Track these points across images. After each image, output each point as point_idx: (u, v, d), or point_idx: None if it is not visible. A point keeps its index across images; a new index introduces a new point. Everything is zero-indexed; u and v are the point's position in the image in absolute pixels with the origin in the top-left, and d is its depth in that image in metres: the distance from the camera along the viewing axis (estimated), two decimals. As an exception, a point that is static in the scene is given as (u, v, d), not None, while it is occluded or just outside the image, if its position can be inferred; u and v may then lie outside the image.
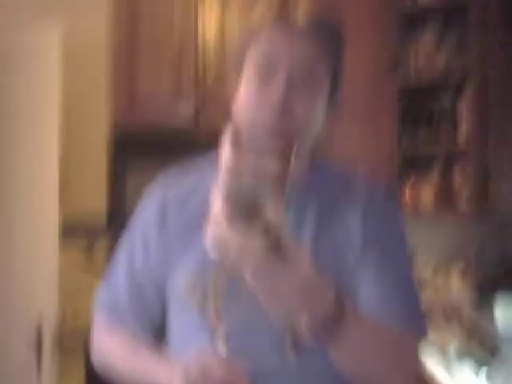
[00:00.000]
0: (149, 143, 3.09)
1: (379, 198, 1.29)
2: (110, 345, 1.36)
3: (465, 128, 2.94)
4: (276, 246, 0.93)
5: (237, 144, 0.94)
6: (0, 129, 3.25)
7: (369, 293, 1.20)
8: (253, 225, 0.92)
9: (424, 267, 3.06)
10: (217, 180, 0.97)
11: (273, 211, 0.93)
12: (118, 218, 3.01)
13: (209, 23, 3.07)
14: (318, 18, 1.22)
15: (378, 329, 1.16)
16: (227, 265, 1.10)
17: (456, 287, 3.02)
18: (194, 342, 1.23)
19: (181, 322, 1.28)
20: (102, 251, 3.21)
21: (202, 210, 1.21)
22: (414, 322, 1.23)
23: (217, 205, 0.93)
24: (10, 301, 3.05)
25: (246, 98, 1.21)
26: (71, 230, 3.30)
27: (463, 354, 2.33)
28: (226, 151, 0.94)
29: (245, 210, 0.92)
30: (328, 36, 1.23)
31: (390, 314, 1.18)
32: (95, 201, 3.31)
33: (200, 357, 1.09)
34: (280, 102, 1.16)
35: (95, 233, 3.34)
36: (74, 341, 3.00)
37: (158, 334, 1.38)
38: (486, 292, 2.95)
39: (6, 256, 3.20)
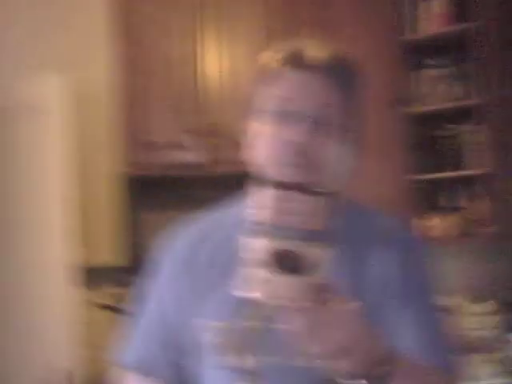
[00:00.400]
0: (162, 186, 3.07)
1: (406, 236, 1.28)
2: None
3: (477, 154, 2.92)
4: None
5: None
6: (8, 186, 3.25)
7: (400, 337, 1.16)
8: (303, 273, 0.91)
9: (449, 299, 2.99)
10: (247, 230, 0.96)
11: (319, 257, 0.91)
12: (139, 265, 2.98)
13: (210, 59, 3.09)
14: (330, 56, 1.20)
15: (422, 374, 1.13)
16: (260, 311, 1.13)
17: (485, 315, 2.96)
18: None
19: (217, 371, 1.24)
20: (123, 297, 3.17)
21: (229, 262, 1.19)
22: (448, 365, 1.20)
23: (261, 249, 0.91)
24: (30, 355, 2.99)
25: (267, 139, 1.19)
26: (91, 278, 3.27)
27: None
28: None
29: (293, 255, 0.91)
30: (344, 74, 1.21)
31: (429, 359, 1.16)
32: (111, 249, 3.29)
33: None
34: (302, 140, 1.14)
35: (118, 281, 3.30)
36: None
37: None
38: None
39: (24, 312, 3.16)
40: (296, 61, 1.18)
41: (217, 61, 3.09)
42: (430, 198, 3.13)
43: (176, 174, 3.08)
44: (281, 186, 0.92)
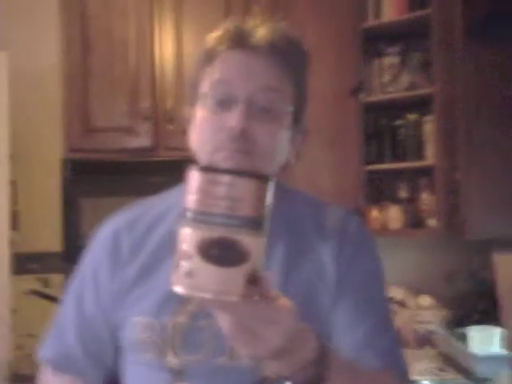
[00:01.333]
0: (105, 169, 2.98)
1: (352, 229, 1.22)
2: None
3: (432, 145, 2.89)
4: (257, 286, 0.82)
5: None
6: None
7: (348, 333, 1.13)
8: (231, 264, 0.80)
9: (395, 289, 2.99)
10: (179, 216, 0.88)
11: (253, 248, 0.81)
12: (74, 252, 2.89)
13: (165, 45, 2.97)
14: (278, 37, 1.13)
15: (361, 374, 1.07)
16: (190, 304, 1.09)
17: (427, 310, 2.96)
18: (151, 381, 1.15)
19: (137, 367, 1.18)
20: (58, 286, 3.08)
21: (158, 252, 1.17)
22: (396, 363, 1.16)
23: (186, 238, 0.81)
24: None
25: (204, 123, 1.13)
26: (25, 265, 3.16)
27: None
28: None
29: (220, 244, 0.80)
30: (290, 54, 1.14)
31: (371, 356, 1.12)
32: (50, 235, 3.18)
33: None
34: (238, 125, 1.08)
35: (50, 267, 3.21)
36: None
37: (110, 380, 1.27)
38: (458, 313, 2.89)
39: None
40: (237, 41, 1.12)
41: (172, 43, 2.97)
42: (383, 189, 3.13)
43: (119, 159, 2.98)
44: (208, 169, 0.81)
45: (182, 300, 1.11)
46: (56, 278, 3.16)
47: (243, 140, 1.09)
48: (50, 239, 3.18)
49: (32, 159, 3.24)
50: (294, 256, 1.16)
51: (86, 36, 2.98)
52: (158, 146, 2.95)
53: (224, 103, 1.11)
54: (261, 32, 1.12)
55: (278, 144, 1.14)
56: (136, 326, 1.15)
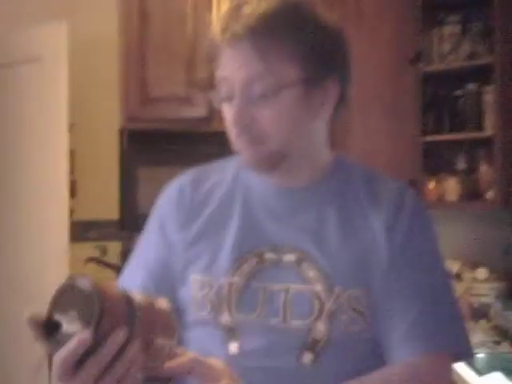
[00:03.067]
0: (161, 138, 3.02)
1: (407, 203, 1.20)
2: None
3: (492, 115, 2.83)
4: None
5: None
6: (9, 130, 3.19)
7: (400, 314, 1.12)
8: None
9: (451, 262, 2.96)
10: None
11: None
12: (131, 220, 2.94)
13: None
14: (269, 13, 1.11)
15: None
16: (247, 265, 1.15)
17: (483, 283, 2.93)
18: (206, 340, 1.17)
19: (192, 326, 1.20)
20: (116, 254, 3.14)
21: (217, 213, 1.22)
22: (450, 342, 1.15)
23: None
24: (19, 305, 2.97)
25: (224, 118, 1.18)
26: (83, 233, 3.23)
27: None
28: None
29: None
30: (285, 28, 1.11)
31: (422, 337, 1.11)
32: (108, 203, 3.24)
33: None
34: (235, 121, 1.12)
35: (108, 235, 3.27)
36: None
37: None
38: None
39: (15, 262, 3.16)
40: (231, 30, 1.11)
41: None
42: (441, 160, 3.09)
43: (176, 129, 3.01)
44: None
45: (239, 260, 1.15)
46: (113, 245, 3.23)
47: (249, 131, 1.12)
48: (108, 208, 3.24)
49: (91, 128, 3.30)
50: (348, 224, 1.16)
51: (143, 6, 3.01)
52: (214, 116, 2.97)
53: (227, 99, 1.14)
54: (246, 14, 1.11)
55: (292, 121, 1.14)
56: (194, 283, 1.18)
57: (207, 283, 1.17)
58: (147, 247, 1.28)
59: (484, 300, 2.87)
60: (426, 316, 1.13)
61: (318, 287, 1.11)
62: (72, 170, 3.08)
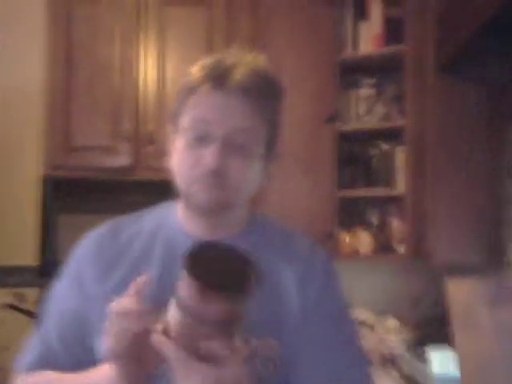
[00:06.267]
0: (84, 187, 3.03)
1: (318, 261, 1.29)
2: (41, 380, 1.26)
3: (402, 174, 2.99)
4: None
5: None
6: None
7: (316, 368, 1.20)
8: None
9: (363, 311, 3.06)
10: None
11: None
12: (50, 267, 2.93)
13: (149, 69, 3.05)
14: (255, 77, 1.20)
15: None
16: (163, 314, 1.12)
17: (393, 332, 3.04)
18: None
19: None
20: (34, 301, 3.10)
21: (135, 266, 1.24)
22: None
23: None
24: None
25: (183, 155, 1.21)
26: (1, 279, 3.20)
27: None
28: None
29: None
30: (265, 94, 1.22)
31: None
32: (27, 249, 3.23)
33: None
34: (214, 163, 1.16)
35: (27, 282, 3.23)
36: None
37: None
38: (421, 336, 2.98)
39: None
40: (216, 80, 1.19)
41: (154, 66, 3.06)
42: (355, 215, 3.21)
43: (100, 178, 3.04)
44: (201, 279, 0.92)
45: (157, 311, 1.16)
46: (32, 292, 3.19)
47: (218, 176, 1.17)
48: (27, 254, 3.22)
49: (12, 174, 3.29)
50: (272, 286, 1.22)
51: (70, 56, 3.05)
52: (138, 165, 3.01)
53: (202, 139, 1.18)
54: (239, 72, 1.18)
55: (251, 177, 1.22)
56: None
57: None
58: (62, 298, 1.28)
59: (393, 349, 2.97)
60: (338, 364, 1.21)
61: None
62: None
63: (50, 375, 1.24)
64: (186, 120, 1.21)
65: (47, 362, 1.26)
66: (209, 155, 1.17)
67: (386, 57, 3.08)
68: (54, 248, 2.97)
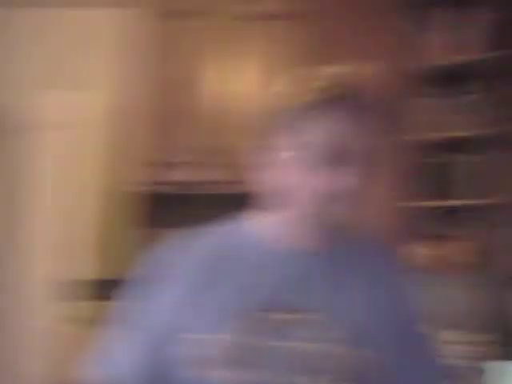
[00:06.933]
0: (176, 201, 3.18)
1: (399, 268, 1.36)
2: None
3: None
4: None
5: None
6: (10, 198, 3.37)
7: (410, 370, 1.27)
8: None
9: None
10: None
11: None
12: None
13: (233, 87, 3.21)
14: (369, 93, 1.22)
15: None
16: (247, 324, 1.17)
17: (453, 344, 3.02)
18: None
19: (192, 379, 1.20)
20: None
21: (224, 276, 1.24)
22: None
23: None
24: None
25: (314, 176, 1.19)
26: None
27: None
28: None
29: None
30: (373, 110, 1.23)
31: None
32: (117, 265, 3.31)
33: None
34: (356, 183, 1.17)
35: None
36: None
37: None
38: (487, 350, 2.96)
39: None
40: (337, 99, 1.18)
41: (237, 83, 3.20)
42: (424, 226, 3.15)
43: (190, 192, 3.17)
44: None
45: (250, 320, 1.18)
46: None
47: (353, 197, 1.19)
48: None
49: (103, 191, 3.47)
50: (358, 290, 1.25)
51: (168, 80, 3.24)
52: (234, 179, 3.13)
53: (333, 159, 1.17)
54: (356, 90, 1.19)
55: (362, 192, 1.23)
56: (195, 342, 1.18)
57: (208, 342, 1.17)
58: (148, 312, 1.25)
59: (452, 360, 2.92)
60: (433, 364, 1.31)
61: (335, 348, 1.16)
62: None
63: None
64: (311, 138, 1.18)
65: (132, 379, 1.25)
66: (347, 178, 1.17)
67: (459, 66, 3.05)
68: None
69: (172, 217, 3.13)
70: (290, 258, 1.24)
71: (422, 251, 3.09)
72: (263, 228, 1.28)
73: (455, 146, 3.09)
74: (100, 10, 3.61)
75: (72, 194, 3.20)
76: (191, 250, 1.28)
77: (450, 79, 3.13)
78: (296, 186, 1.20)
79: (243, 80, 3.20)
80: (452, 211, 3.08)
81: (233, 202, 2.96)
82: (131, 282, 1.28)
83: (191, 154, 3.20)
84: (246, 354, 1.16)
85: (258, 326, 1.17)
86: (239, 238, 1.29)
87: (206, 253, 1.27)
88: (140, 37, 3.25)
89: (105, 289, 3.05)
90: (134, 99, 3.35)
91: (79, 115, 3.25)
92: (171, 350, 1.20)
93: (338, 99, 1.17)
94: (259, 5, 3.21)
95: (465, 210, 3.00)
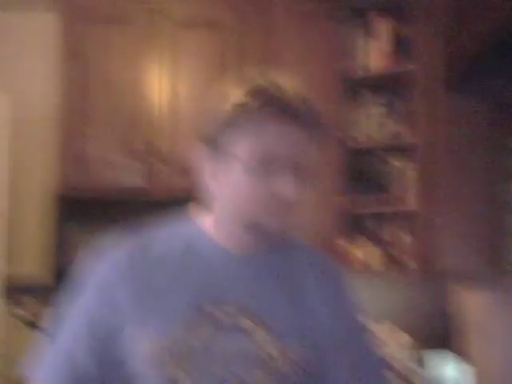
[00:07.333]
0: (98, 205, 3.07)
1: (343, 278, 1.38)
2: None
3: (413, 190, 3.01)
4: None
5: None
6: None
7: (344, 373, 1.28)
8: None
9: (373, 324, 3.06)
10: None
11: None
12: (62, 285, 2.95)
13: (162, 87, 3.11)
14: (307, 103, 1.23)
15: None
16: (202, 328, 1.20)
17: (403, 346, 3.05)
18: None
19: (138, 374, 1.22)
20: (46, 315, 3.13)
21: (171, 278, 1.26)
22: None
23: None
24: None
25: (248, 186, 1.20)
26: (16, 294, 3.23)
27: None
28: None
29: None
30: (317, 118, 1.24)
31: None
32: (40, 266, 3.27)
33: None
34: (292, 196, 1.19)
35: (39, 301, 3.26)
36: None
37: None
38: (420, 340, 3.01)
39: None
40: (278, 107, 1.18)
41: (167, 86, 3.11)
42: (363, 228, 3.22)
43: (113, 197, 3.08)
44: None
45: (196, 324, 1.20)
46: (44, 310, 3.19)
47: (292, 206, 1.21)
48: (39, 272, 3.28)
49: (26, 194, 3.35)
50: (295, 294, 1.28)
51: (84, 79, 3.12)
52: (151, 185, 3.05)
53: (268, 166, 1.19)
54: (293, 98, 1.20)
55: (303, 200, 1.25)
56: (151, 346, 1.19)
57: (163, 345, 1.19)
58: (91, 315, 1.25)
59: (391, 353, 2.99)
60: (364, 365, 1.31)
61: (272, 350, 1.20)
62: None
63: None
64: (248, 148, 1.19)
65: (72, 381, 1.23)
66: (286, 188, 1.18)
67: (396, 74, 3.11)
68: (66, 266, 3.00)
69: (90, 221, 3.05)
70: (226, 259, 1.27)
71: (358, 253, 3.15)
72: (203, 229, 1.31)
73: (390, 151, 3.16)
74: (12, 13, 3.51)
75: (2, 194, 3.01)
76: (130, 258, 1.28)
77: (386, 87, 3.20)
78: (237, 190, 1.21)
79: (177, 87, 3.12)
80: (389, 214, 3.16)
81: (151, 209, 2.99)
82: (72, 285, 1.30)
83: (111, 156, 3.09)
84: (189, 352, 1.19)
85: (199, 323, 1.20)
86: (174, 244, 1.30)
87: (139, 254, 1.28)
88: (61, 39, 3.15)
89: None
90: (52, 98, 3.21)
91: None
92: (117, 349, 1.22)
93: (268, 110, 1.18)
94: (199, 10, 3.16)
95: (402, 214, 3.07)
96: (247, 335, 1.20)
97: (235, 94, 1.20)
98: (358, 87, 3.18)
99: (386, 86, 3.20)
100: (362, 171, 3.21)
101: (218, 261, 1.26)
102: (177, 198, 2.99)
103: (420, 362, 2.86)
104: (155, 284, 1.24)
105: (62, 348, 1.26)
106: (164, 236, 1.32)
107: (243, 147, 1.19)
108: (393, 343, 3.03)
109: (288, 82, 1.22)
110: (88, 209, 3.06)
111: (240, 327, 1.20)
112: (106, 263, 1.29)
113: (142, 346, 1.20)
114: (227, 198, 1.24)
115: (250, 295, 1.24)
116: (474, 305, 2.83)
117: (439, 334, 3.04)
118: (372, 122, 3.20)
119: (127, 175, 3.07)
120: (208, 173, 1.25)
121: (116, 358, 1.23)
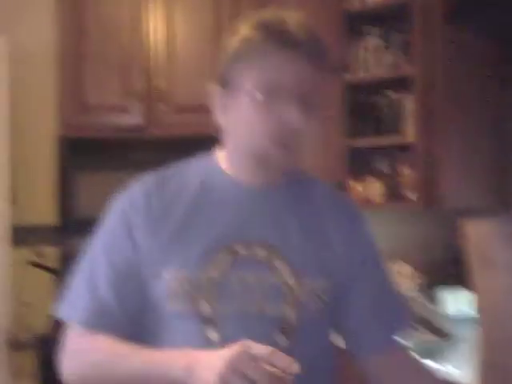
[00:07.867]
0: (98, 145, 3.09)
1: (358, 213, 1.41)
2: (97, 354, 1.25)
3: (412, 122, 3.01)
4: None
5: None
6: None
7: (362, 302, 1.33)
8: None
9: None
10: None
11: None
12: (69, 226, 2.99)
13: (158, 26, 3.08)
14: (312, 35, 1.23)
15: None
16: (222, 260, 1.23)
17: (406, 277, 3.10)
18: (184, 331, 1.23)
19: (170, 319, 1.25)
20: (52, 259, 3.20)
21: (188, 212, 1.28)
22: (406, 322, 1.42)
23: None
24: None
25: (255, 116, 1.21)
26: (22, 237, 3.26)
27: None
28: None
29: None
30: (323, 50, 1.25)
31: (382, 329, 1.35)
32: (46, 208, 3.31)
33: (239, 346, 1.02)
34: (298, 121, 1.19)
35: (46, 240, 3.31)
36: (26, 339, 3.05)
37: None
38: (434, 280, 3.06)
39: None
40: (281, 38, 1.19)
41: (163, 25, 3.09)
42: (363, 163, 3.23)
43: (113, 137, 3.09)
44: None
45: (214, 255, 1.23)
46: (51, 250, 3.24)
47: (298, 135, 1.22)
48: (45, 212, 3.31)
49: (28, 135, 3.35)
50: (311, 226, 1.31)
51: (80, 18, 3.09)
52: (150, 124, 3.06)
53: (273, 98, 1.19)
54: (299, 31, 1.21)
55: (311, 136, 1.26)
56: (170, 278, 1.22)
57: (183, 277, 1.22)
58: (111, 250, 1.29)
59: (406, 292, 3.05)
60: (387, 303, 1.36)
61: (289, 280, 1.24)
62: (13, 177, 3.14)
63: (108, 346, 1.25)
64: (253, 79, 1.21)
65: (102, 321, 1.26)
66: (291, 115, 1.19)
67: (393, 6, 3.07)
68: (70, 206, 3.04)
69: (91, 161, 3.08)
70: (242, 193, 1.29)
71: (364, 188, 3.17)
72: (218, 165, 1.33)
73: (389, 84, 3.14)
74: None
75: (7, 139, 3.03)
76: (146, 196, 1.30)
77: (383, 20, 3.16)
78: (245, 122, 1.23)
79: (173, 24, 3.11)
80: (394, 148, 3.15)
81: (149, 147, 3.01)
82: (98, 224, 1.33)
83: (108, 97, 3.11)
84: (208, 283, 1.22)
85: (217, 255, 1.23)
86: (188, 181, 1.32)
87: (158, 198, 1.30)
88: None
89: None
90: (51, 40, 3.19)
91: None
92: (148, 286, 1.25)
93: (275, 43, 1.19)
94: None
95: (401, 146, 3.08)
96: (265, 266, 1.24)
97: (242, 30, 1.24)
98: (355, 20, 3.14)
99: (383, 19, 3.16)
100: (360, 105, 3.21)
101: (234, 195, 1.29)
102: (176, 136, 3.05)
103: (431, 299, 2.91)
104: (171, 219, 1.27)
105: (87, 288, 1.29)
106: (180, 173, 1.35)
107: (249, 79, 1.21)
108: (403, 280, 3.08)
109: (293, 16, 1.23)
110: (89, 148, 3.08)
111: (257, 258, 1.24)
112: (123, 200, 1.33)
113: (161, 281, 1.23)
114: (238, 132, 1.26)
115: (266, 227, 1.27)
116: (477, 232, 2.86)
117: (447, 268, 3.06)
118: (370, 55, 3.18)
119: (126, 115, 3.07)
120: (220, 109, 1.28)
121: (138, 298, 1.26)
